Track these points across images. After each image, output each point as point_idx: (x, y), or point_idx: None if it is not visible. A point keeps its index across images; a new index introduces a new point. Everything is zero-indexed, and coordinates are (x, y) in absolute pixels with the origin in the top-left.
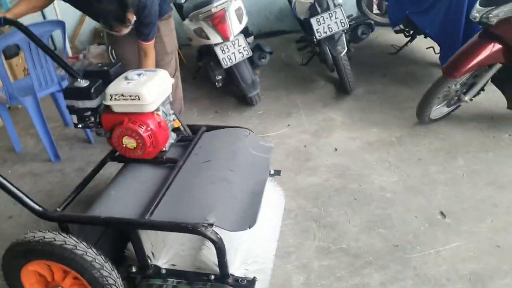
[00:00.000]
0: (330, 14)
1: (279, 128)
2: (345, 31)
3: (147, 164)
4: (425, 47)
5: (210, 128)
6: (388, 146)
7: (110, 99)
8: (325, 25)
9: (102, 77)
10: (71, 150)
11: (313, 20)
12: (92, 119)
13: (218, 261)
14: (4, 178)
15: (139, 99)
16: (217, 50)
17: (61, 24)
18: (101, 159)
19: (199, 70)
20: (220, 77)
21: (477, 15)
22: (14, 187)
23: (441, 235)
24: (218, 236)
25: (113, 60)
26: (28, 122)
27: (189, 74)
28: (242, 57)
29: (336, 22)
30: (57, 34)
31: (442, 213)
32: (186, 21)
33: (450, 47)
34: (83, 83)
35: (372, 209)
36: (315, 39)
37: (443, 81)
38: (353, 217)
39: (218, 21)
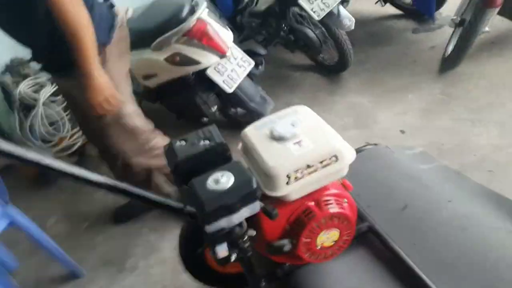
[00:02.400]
0: None
1: None
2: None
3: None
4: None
5: None
6: (443, 105)
7: (288, 183)
8: (319, 2)
9: (208, 160)
10: None
11: (303, 1)
12: (252, 234)
13: None
14: None
15: (336, 159)
16: (211, 73)
17: None
18: None
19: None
20: (215, 107)
21: None
22: None
23: None
24: None
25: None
26: None
27: None
28: (245, 70)
29: None
30: None
31: None
32: (146, 53)
33: None
34: (223, 180)
35: None
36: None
37: (483, 13)
38: None
39: (203, 35)
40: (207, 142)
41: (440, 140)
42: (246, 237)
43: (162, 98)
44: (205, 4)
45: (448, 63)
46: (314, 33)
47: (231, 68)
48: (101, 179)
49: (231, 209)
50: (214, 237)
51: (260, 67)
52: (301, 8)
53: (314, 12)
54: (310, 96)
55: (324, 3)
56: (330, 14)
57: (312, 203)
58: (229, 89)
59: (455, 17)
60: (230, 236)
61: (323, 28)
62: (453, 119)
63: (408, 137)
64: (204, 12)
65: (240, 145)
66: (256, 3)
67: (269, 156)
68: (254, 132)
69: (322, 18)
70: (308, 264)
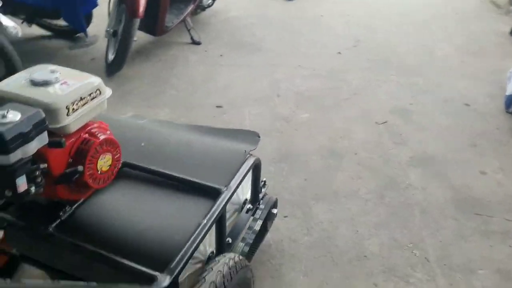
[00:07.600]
0: None
1: None
2: None
3: None
4: None
5: None
6: (123, 99)
7: (68, 114)
8: None
9: None
10: None
11: None
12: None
13: None
14: None
15: (100, 92)
16: None
17: None
18: None
19: None
20: None
21: None
22: None
23: None
24: None
25: None
26: None
27: None
28: None
29: None
30: None
31: None
32: None
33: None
34: (11, 115)
35: None
36: None
37: (131, 23)
38: None
39: None
40: None
41: None
42: (39, 170)
43: None
44: None
45: (113, 68)
46: None
47: None
48: None
49: (26, 139)
50: (14, 168)
51: None
52: None
53: None
54: None
55: None
56: None
57: (87, 135)
58: None
59: (109, 29)
60: (27, 167)
61: None
62: (133, 107)
63: None
64: None
65: None
66: None
67: (43, 96)
68: (9, 87)
69: None
70: (85, 202)
